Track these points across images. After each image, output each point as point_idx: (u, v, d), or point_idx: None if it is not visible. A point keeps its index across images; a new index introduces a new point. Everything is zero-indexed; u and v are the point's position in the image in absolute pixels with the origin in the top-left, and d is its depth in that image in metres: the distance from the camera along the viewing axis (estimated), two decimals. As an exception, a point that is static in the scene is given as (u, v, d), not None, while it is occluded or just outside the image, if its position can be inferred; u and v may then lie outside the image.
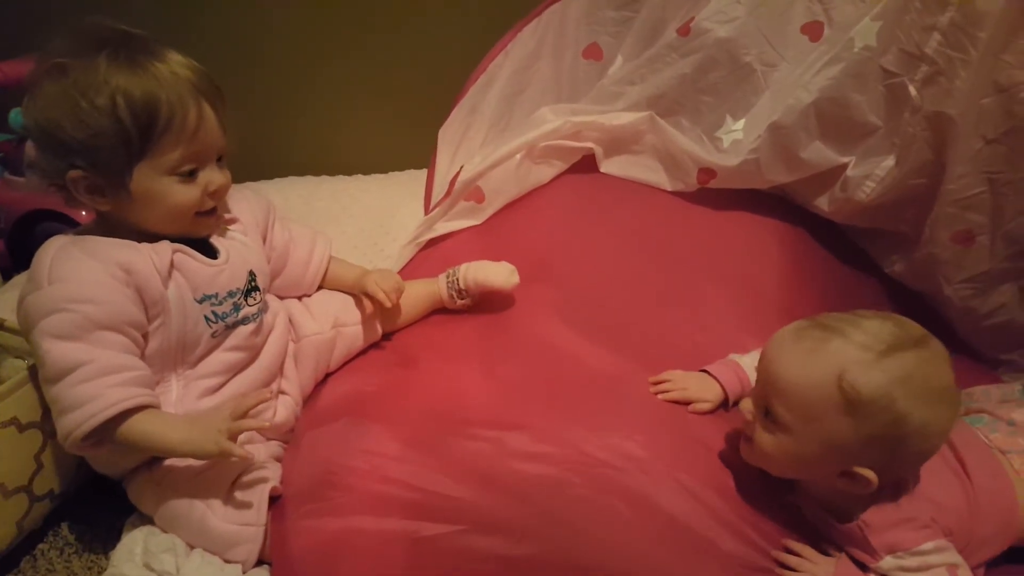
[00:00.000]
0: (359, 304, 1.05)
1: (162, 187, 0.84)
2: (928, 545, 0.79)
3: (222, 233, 0.93)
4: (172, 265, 0.86)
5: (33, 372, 0.88)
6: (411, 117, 1.52)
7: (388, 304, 1.00)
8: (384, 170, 1.69)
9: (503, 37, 1.25)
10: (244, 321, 0.92)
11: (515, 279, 1.04)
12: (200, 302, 0.87)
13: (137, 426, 0.80)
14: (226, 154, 0.89)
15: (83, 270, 0.81)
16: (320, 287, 1.07)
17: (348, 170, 1.69)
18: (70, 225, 1.50)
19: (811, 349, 0.78)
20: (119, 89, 0.79)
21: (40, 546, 0.94)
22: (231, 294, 0.90)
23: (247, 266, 0.93)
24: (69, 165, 0.81)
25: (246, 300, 0.92)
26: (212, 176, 0.87)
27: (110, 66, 0.79)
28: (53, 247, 0.83)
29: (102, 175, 0.82)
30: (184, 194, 0.85)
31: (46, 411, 0.88)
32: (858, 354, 0.76)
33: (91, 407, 0.78)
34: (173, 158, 0.83)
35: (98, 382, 0.78)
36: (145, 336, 0.84)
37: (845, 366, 0.75)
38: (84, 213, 1.48)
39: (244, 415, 0.82)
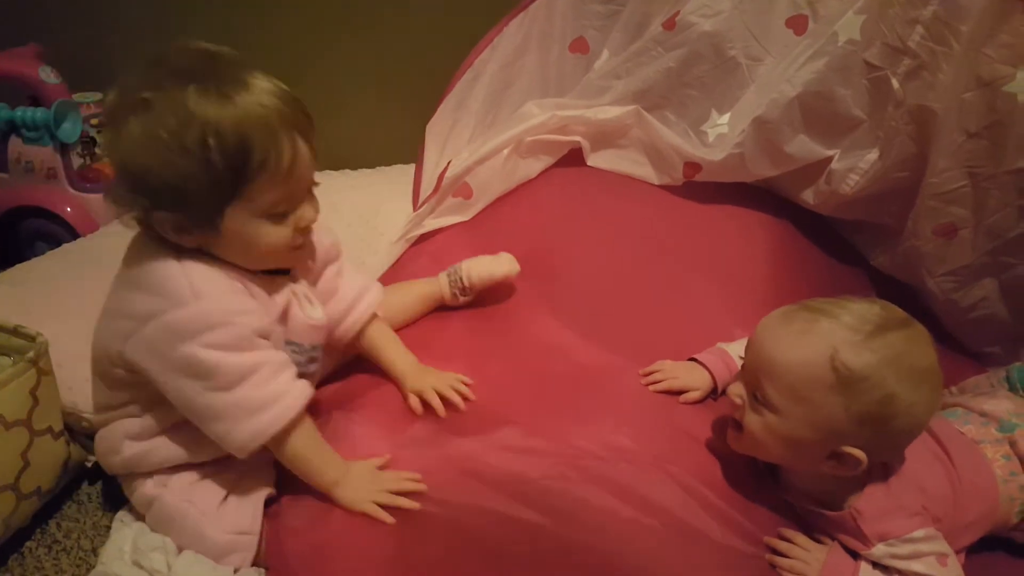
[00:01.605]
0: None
1: (254, 229, 0.78)
2: (919, 533, 0.80)
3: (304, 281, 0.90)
4: (287, 307, 0.85)
5: (35, 372, 0.87)
6: (399, 112, 1.51)
7: (462, 406, 0.91)
8: (371, 165, 1.68)
9: (490, 31, 1.25)
10: (303, 376, 0.87)
11: (517, 267, 1.05)
12: (287, 344, 0.86)
13: (299, 444, 0.82)
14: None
15: (224, 286, 0.78)
16: (357, 350, 0.99)
17: (335, 165, 1.68)
18: (56, 222, 1.49)
19: (801, 330, 0.79)
20: (209, 129, 0.72)
21: (28, 544, 0.94)
22: (311, 348, 0.89)
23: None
24: (155, 206, 0.75)
25: (315, 359, 0.91)
26: (304, 212, 0.81)
27: (199, 102, 0.72)
28: (171, 264, 0.77)
29: (190, 217, 0.76)
30: (276, 235, 0.79)
31: (32, 409, 0.88)
32: (848, 334, 0.77)
33: (287, 399, 0.79)
34: (267, 200, 0.77)
35: (282, 377, 0.80)
36: None
37: (836, 345, 0.76)
38: (69, 210, 1.48)
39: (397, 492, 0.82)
